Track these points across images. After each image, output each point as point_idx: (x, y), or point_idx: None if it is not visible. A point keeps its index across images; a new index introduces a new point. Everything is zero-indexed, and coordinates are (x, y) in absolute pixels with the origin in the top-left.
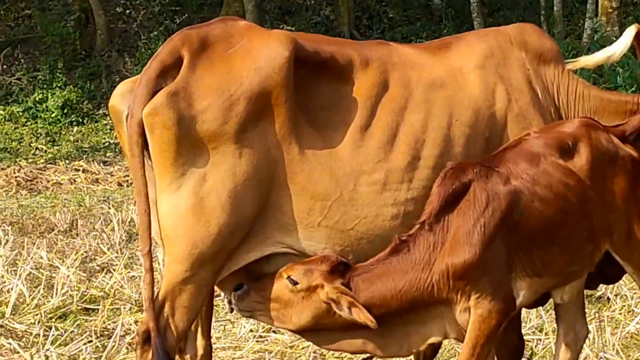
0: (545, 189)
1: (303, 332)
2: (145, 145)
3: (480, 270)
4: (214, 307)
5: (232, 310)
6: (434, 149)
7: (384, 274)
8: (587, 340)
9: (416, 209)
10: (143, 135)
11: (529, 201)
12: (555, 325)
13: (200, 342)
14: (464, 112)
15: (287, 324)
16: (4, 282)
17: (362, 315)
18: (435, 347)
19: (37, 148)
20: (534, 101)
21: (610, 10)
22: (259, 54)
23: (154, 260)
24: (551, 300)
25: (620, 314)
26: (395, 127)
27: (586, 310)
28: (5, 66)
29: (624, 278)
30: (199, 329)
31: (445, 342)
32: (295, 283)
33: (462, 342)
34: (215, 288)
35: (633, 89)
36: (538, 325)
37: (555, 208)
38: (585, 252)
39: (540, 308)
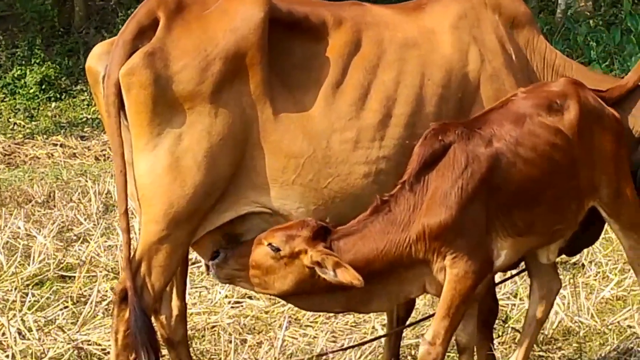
0: (530, 150)
1: (286, 296)
2: (121, 106)
3: (456, 231)
4: (190, 274)
5: (209, 272)
6: (405, 107)
7: (366, 235)
8: (562, 305)
9: (388, 167)
10: (120, 95)
11: (511, 163)
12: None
13: (175, 302)
14: (437, 71)
15: (270, 289)
16: None
17: (347, 275)
18: (409, 308)
19: (15, 123)
20: (507, 62)
21: None
22: (235, 14)
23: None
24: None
25: (595, 280)
26: (367, 85)
27: (561, 276)
28: None
29: (599, 245)
30: (174, 290)
31: (420, 305)
32: (277, 250)
33: (412, 305)
34: (192, 255)
35: (606, 63)
36: (512, 290)
37: (540, 169)
38: (570, 211)
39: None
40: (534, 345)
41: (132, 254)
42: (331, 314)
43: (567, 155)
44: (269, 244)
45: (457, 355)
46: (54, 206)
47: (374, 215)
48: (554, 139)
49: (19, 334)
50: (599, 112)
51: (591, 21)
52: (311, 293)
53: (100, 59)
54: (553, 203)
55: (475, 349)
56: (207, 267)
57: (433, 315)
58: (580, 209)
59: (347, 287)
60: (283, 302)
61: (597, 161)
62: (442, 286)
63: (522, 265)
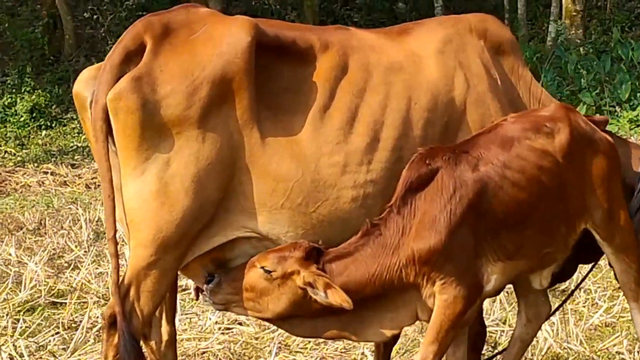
0: (517, 173)
1: (279, 320)
2: (109, 131)
3: (445, 256)
4: (180, 300)
5: (197, 297)
6: (392, 130)
7: (357, 258)
8: (550, 332)
9: (375, 191)
10: (107, 120)
11: (498, 186)
12: None
13: (165, 328)
14: (423, 95)
15: (264, 312)
16: None
17: (337, 297)
18: (395, 335)
19: (6, 151)
20: (492, 87)
21: (574, 13)
22: (221, 39)
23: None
24: (511, 287)
25: (584, 306)
26: (354, 109)
27: (550, 302)
28: None
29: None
30: (164, 315)
31: (410, 331)
32: (269, 272)
33: (399, 331)
34: (182, 282)
35: (597, 91)
36: (502, 317)
37: (528, 192)
38: (559, 234)
39: (503, 300)
40: None
41: (120, 279)
42: (321, 340)
43: (555, 178)
44: (262, 267)
45: None
46: (45, 233)
47: (365, 238)
48: (542, 162)
49: (11, 359)
50: (591, 136)
51: (581, 49)
52: (305, 317)
53: (87, 84)
54: (541, 225)
55: None
56: (197, 292)
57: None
58: (571, 231)
59: (339, 310)
60: (273, 328)
61: (588, 184)
62: (432, 312)
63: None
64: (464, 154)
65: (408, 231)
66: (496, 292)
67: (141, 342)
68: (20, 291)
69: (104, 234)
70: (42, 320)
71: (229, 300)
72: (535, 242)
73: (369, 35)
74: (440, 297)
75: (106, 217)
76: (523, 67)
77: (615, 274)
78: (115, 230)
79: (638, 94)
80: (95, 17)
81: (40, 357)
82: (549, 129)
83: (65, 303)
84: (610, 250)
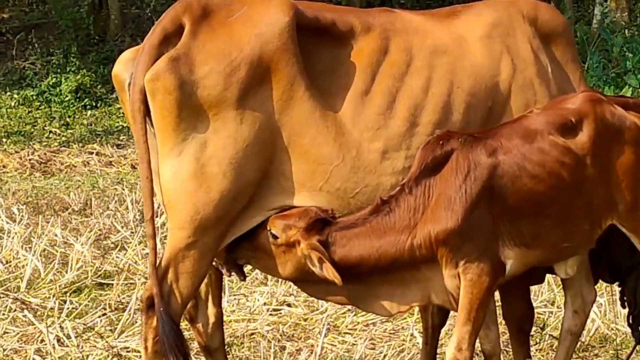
0: (538, 167)
1: (293, 281)
2: (147, 112)
3: (463, 236)
4: (229, 281)
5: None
6: (433, 115)
7: (363, 232)
8: (598, 313)
9: None
10: (145, 102)
11: (516, 176)
12: None
13: (211, 310)
14: (466, 79)
15: (275, 273)
16: (19, 257)
17: (329, 272)
18: (444, 316)
19: (50, 131)
20: (540, 73)
21: None
22: (260, 20)
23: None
24: None
25: None
26: (395, 92)
27: (598, 284)
28: (19, 51)
29: None
30: (210, 297)
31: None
32: (275, 237)
33: (448, 308)
34: None
35: None
36: (550, 298)
37: (546, 185)
38: (580, 229)
39: (552, 282)
40: None
41: (158, 260)
42: (370, 321)
43: (577, 174)
44: (269, 230)
45: None
46: (91, 214)
47: (374, 214)
48: (564, 158)
49: (58, 340)
50: (617, 127)
51: (627, 31)
52: (315, 280)
53: (126, 65)
54: (560, 219)
55: (513, 356)
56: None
57: None
58: (595, 227)
59: (352, 281)
60: (322, 309)
61: (614, 179)
62: (448, 295)
63: None
64: (482, 139)
65: (420, 211)
66: (510, 278)
67: (187, 324)
68: (66, 272)
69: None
70: (89, 302)
71: (246, 256)
72: (552, 235)
73: (416, 17)
74: (465, 277)
75: (144, 199)
76: (574, 61)
77: None
78: (154, 212)
79: None
80: None
81: (88, 339)
82: (574, 124)
83: (112, 284)
84: (638, 241)
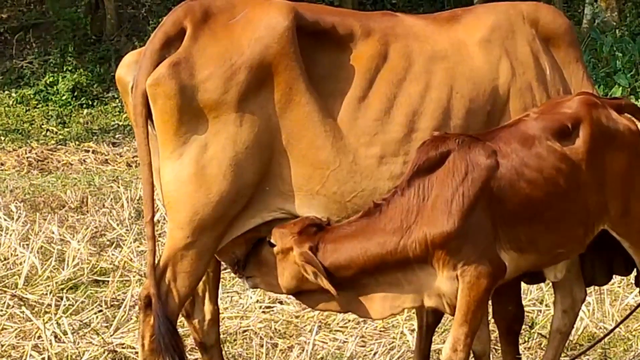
0: (535, 172)
1: (293, 294)
2: (149, 115)
3: (460, 239)
4: (221, 279)
5: (236, 274)
6: (431, 121)
7: (353, 235)
8: (587, 312)
9: None
10: (147, 105)
11: (513, 180)
12: None
13: (207, 307)
14: (465, 84)
15: (277, 287)
16: (17, 254)
17: (324, 283)
18: (438, 315)
19: (47, 130)
20: (539, 77)
21: None
22: (260, 23)
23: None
24: None
25: (620, 287)
26: (393, 98)
27: (586, 291)
28: (17, 50)
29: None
30: (207, 294)
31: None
32: (273, 246)
33: (442, 312)
34: None
35: (632, 73)
36: (538, 297)
37: (543, 191)
38: (574, 235)
39: None
40: None
41: (156, 260)
42: (361, 319)
43: (572, 181)
44: (268, 240)
45: None
46: (87, 211)
47: (365, 217)
48: (561, 165)
49: (55, 337)
50: (612, 132)
51: (617, 31)
52: (312, 290)
53: (129, 68)
54: (555, 225)
55: (502, 355)
56: (234, 270)
57: None
58: (588, 232)
59: (345, 288)
60: None
61: (607, 183)
62: (441, 298)
63: None
64: (480, 141)
65: (413, 212)
66: (504, 281)
67: (182, 321)
68: (63, 269)
69: (144, 212)
70: (85, 298)
71: (255, 275)
72: (547, 240)
73: (416, 21)
74: (463, 279)
75: (145, 201)
76: (577, 61)
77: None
78: (154, 214)
79: None
80: None
81: (84, 335)
82: (570, 129)
83: (108, 281)
84: (628, 245)
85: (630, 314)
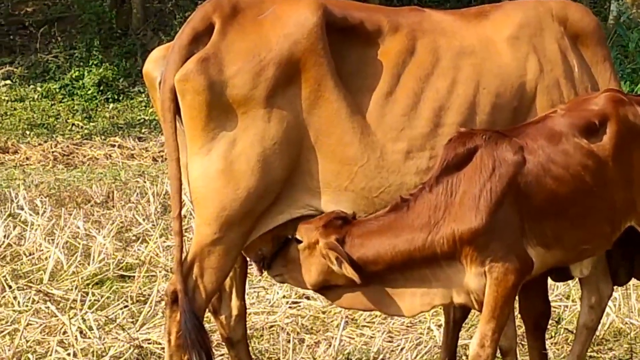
0: (561, 169)
1: (319, 290)
2: (177, 110)
3: (488, 235)
4: (248, 274)
5: (261, 273)
6: (457, 116)
7: (381, 230)
8: (613, 307)
9: None
10: (175, 100)
11: (540, 176)
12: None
13: (234, 302)
14: (493, 80)
15: (303, 283)
16: (42, 250)
17: (348, 270)
18: (465, 310)
19: (73, 124)
20: (567, 74)
21: None
22: (288, 19)
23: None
24: None
25: None
26: (420, 94)
27: (612, 285)
28: (42, 44)
29: None
30: (234, 290)
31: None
32: (299, 242)
33: (469, 307)
34: None
35: None
36: (565, 292)
37: (569, 187)
38: (600, 232)
39: None
40: None
41: (183, 256)
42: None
43: (598, 178)
44: (294, 237)
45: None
46: (113, 206)
47: (392, 212)
48: (587, 162)
49: (80, 332)
50: (639, 128)
51: None
52: (340, 286)
53: (157, 63)
54: (581, 221)
55: (528, 351)
56: (259, 268)
57: None
58: (615, 229)
59: (375, 282)
60: None
61: (634, 181)
62: (479, 293)
63: None
64: (507, 137)
65: (441, 209)
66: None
67: (209, 317)
68: (88, 264)
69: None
70: (110, 294)
71: (282, 272)
72: (573, 236)
73: (445, 17)
74: (491, 275)
75: (172, 196)
76: (605, 60)
77: None
78: (181, 209)
79: None
80: None
81: (109, 331)
82: (597, 126)
83: (134, 276)
84: None
85: None
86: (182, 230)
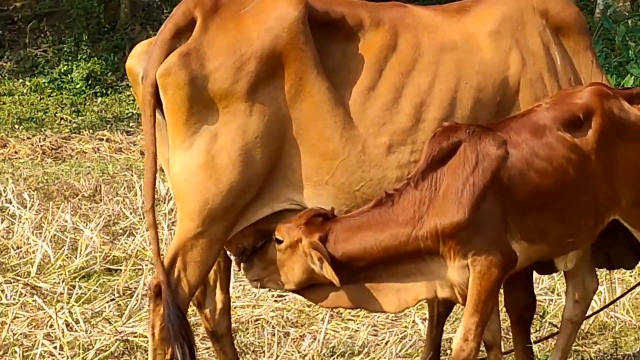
0: (545, 162)
1: (301, 291)
2: (158, 105)
3: (471, 228)
4: (233, 268)
5: (239, 267)
6: (438, 111)
7: (365, 225)
8: (598, 301)
9: None
10: (156, 95)
11: (524, 170)
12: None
13: (219, 296)
14: (475, 75)
15: (286, 284)
16: (29, 243)
17: (328, 272)
18: (449, 304)
19: (62, 118)
20: (550, 67)
21: None
22: (270, 14)
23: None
24: None
25: (631, 276)
26: (401, 88)
27: (597, 272)
28: (31, 39)
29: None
30: (218, 284)
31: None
32: (280, 242)
33: (454, 302)
34: None
35: None
36: (550, 286)
37: (553, 181)
38: (584, 225)
39: None
40: None
41: (161, 249)
42: None
43: (582, 172)
44: (275, 237)
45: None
46: (100, 200)
47: (377, 207)
48: (571, 155)
49: (67, 325)
50: (624, 122)
51: (629, 21)
52: (325, 286)
53: (139, 58)
54: (565, 215)
55: (513, 345)
56: (238, 262)
57: None
58: (598, 222)
59: (357, 281)
60: None
61: (618, 174)
62: (454, 288)
63: None
64: (491, 131)
65: (426, 203)
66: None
67: (194, 310)
68: (76, 258)
69: (159, 201)
70: (97, 287)
71: (260, 276)
72: (557, 230)
73: (426, 12)
74: (474, 269)
75: (145, 189)
76: (587, 50)
77: None
78: (154, 202)
79: None
80: None
81: (96, 324)
82: (581, 120)
83: (120, 270)
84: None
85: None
86: (156, 223)
